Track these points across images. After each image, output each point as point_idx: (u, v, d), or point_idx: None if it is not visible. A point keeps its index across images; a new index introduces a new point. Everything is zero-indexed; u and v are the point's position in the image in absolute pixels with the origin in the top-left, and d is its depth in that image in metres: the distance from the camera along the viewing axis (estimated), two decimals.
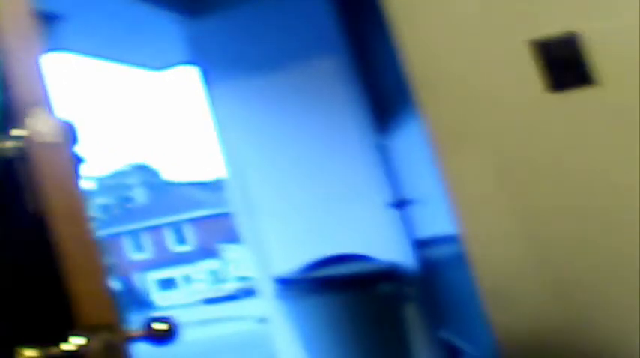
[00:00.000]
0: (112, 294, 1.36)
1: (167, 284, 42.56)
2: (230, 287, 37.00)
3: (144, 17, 4.13)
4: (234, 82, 4.15)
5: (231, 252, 39.17)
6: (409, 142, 2.88)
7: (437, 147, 2.24)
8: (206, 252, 41.93)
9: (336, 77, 3.93)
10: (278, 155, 4.10)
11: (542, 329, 2.15)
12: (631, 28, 2.11)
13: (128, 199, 49.29)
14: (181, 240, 43.77)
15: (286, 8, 3.96)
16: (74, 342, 1.27)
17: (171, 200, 44.63)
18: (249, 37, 4.06)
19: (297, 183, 4.06)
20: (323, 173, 4.00)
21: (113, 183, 48.64)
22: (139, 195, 49.62)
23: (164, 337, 1.34)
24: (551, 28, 2.15)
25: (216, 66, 4.19)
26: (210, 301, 35.75)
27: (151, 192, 48.84)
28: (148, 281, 42.99)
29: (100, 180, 47.87)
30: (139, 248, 44.12)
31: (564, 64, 2.14)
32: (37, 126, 1.30)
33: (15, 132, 1.32)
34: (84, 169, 2.66)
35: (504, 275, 2.19)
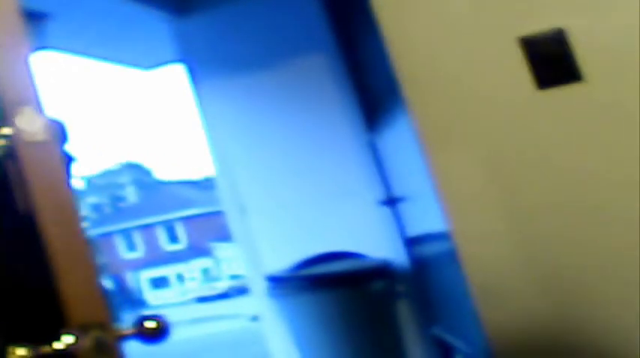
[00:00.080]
0: (103, 293, 1.36)
1: (159, 282, 42.52)
2: (222, 285, 36.98)
3: (132, 16, 4.12)
4: (222, 80, 4.14)
5: (223, 250, 39.15)
6: (399, 140, 2.88)
7: (426, 145, 2.24)
8: (198, 250, 41.90)
9: (325, 75, 3.93)
10: (268, 153, 4.10)
11: (533, 326, 2.16)
12: (618, 24, 2.12)
13: (119, 198, 49.19)
14: (173, 239, 43.72)
15: (274, 6, 3.95)
16: (65, 341, 1.27)
17: (162, 199, 44.57)
18: (238, 35, 4.05)
19: (287, 181, 4.06)
20: (313, 171, 4.00)
21: (104, 182, 48.54)
22: (131, 194, 49.52)
23: (155, 335, 1.35)
24: (539, 24, 2.15)
25: (205, 64, 4.18)
26: (203, 300, 35.73)
27: (142, 191, 48.74)
28: (141, 280, 42.94)
29: (91, 179, 47.77)
30: (131, 247, 44.06)
31: (552, 61, 2.15)
32: (25, 125, 1.30)
33: (3, 131, 1.31)
34: (74, 168, 2.66)
35: (494, 272, 2.19)
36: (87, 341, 1.27)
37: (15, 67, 1.34)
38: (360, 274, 3.79)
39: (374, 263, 3.84)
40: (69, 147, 2.62)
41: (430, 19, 2.26)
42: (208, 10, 4.09)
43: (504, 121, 2.19)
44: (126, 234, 43.91)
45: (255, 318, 4.84)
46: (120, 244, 43.83)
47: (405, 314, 3.84)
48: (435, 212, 2.34)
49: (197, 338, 19.09)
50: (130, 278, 42.59)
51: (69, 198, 1.34)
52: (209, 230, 39.61)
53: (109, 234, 42.31)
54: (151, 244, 43.78)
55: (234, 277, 35.62)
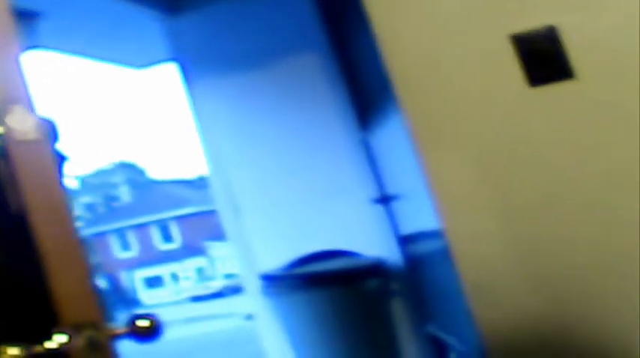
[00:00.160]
0: (96, 292, 1.36)
1: (154, 282, 42.50)
2: (217, 284, 36.99)
3: (124, 14, 4.11)
4: (215, 79, 4.14)
5: (217, 249, 39.15)
6: (392, 138, 2.88)
7: (419, 143, 2.25)
8: (192, 249, 41.89)
9: (318, 74, 3.93)
10: (261, 152, 4.10)
11: (525, 323, 2.17)
12: (610, 21, 2.13)
13: (113, 198, 49.13)
14: (167, 238, 43.70)
15: (267, 5, 3.95)
16: (58, 340, 1.27)
17: (156, 198, 44.54)
18: (230, 34, 4.04)
19: (281, 179, 4.06)
20: (307, 169, 4.00)
21: (98, 182, 48.47)
22: (124, 194, 49.47)
23: (148, 334, 1.35)
24: (530, 22, 2.16)
25: (198, 63, 4.18)
26: (197, 299, 35.73)
27: (135, 190, 48.69)
28: (135, 279, 42.90)
29: (85, 179, 47.70)
30: (125, 246, 44.02)
31: (543, 58, 2.15)
32: (16, 124, 1.30)
33: None
34: (67, 167, 2.66)
35: (487, 270, 2.20)
36: (80, 341, 1.27)
37: (6, 66, 1.34)
38: (354, 272, 3.79)
39: (368, 261, 3.84)
40: (61, 146, 2.61)
41: (422, 17, 2.26)
42: (201, 9, 4.09)
43: (496, 119, 2.19)
44: (120, 233, 43.87)
45: (249, 317, 4.84)
46: (114, 244, 43.79)
47: (399, 312, 3.85)
48: (428, 210, 2.34)
49: (191, 338, 19.09)
50: (124, 277, 42.55)
51: (61, 198, 1.34)
52: (203, 229, 39.60)
53: (102, 234, 42.28)
54: (145, 243, 43.75)
55: (228, 276, 35.62)
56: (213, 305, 29.21)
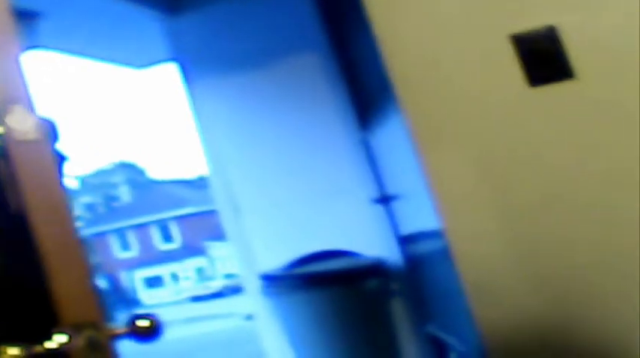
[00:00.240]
0: (96, 292, 1.36)
1: (154, 282, 42.50)
2: (217, 284, 36.98)
3: (124, 14, 4.11)
4: (215, 79, 4.14)
5: (217, 249, 39.14)
6: (392, 138, 2.88)
7: (419, 143, 2.25)
8: (192, 249, 41.89)
9: (318, 73, 3.93)
10: (261, 152, 4.09)
11: (525, 322, 2.17)
12: (610, 21, 2.13)
13: (113, 198, 49.14)
14: (167, 238, 43.70)
15: (267, 5, 3.95)
16: (58, 340, 1.27)
17: (156, 198, 44.54)
18: (230, 33, 4.04)
19: (281, 179, 4.05)
20: (307, 169, 4.00)
21: (98, 182, 48.49)
22: (124, 194, 49.47)
23: (147, 334, 1.35)
24: (530, 22, 2.16)
25: (198, 63, 4.18)
26: (197, 299, 35.73)
27: (136, 191, 48.70)
28: (135, 279, 42.91)
29: (85, 179, 47.71)
30: (125, 246, 44.03)
31: (543, 58, 2.15)
32: (16, 124, 1.30)
33: None
34: (67, 167, 2.65)
35: (487, 270, 2.20)
36: (79, 341, 1.27)
37: (6, 66, 1.34)
38: (354, 272, 3.79)
39: (368, 261, 3.84)
40: (61, 146, 2.61)
41: (422, 17, 2.26)
42: (201, 9, 4.09)
43: (496, 119, 2.19)
44: (120, 233, 43.87)
45: (249, 317, 4.84)
46: (114, 244, 43.80)
47: (399, 312, 3.85)
48: (428, 210, 2.34)
49: (191, 338, 19.09)
50: (124, 277, 42.56)
51: (61, 197, 1.34)
52: (203, 229, 39.60)
53: (102, 234, 42.28)
54: (145, 243, 43.75)
55: (228, 276, 35.62)
56: (213, 305, 29.22)
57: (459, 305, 2.35)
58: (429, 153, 2.23)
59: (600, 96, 2.13)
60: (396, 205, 3.56)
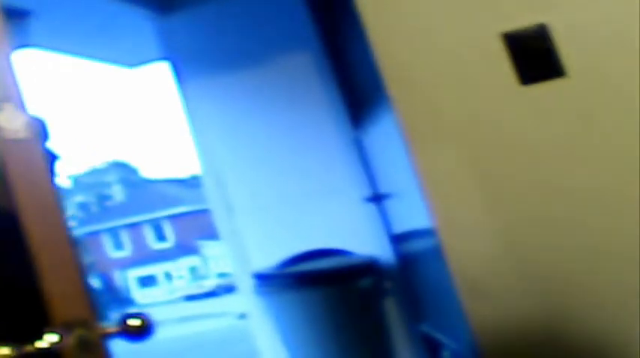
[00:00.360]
0: (87, 291, 1.35)
1: (147, 281, 42.44)
2: (210, 283, 36.94)
3: (116, 13, 4.10)
4: (207, 78, 4.13)
5: (210, 248, 39.10)
6: (384, 136, 2.89)
7: (410, 141, 2.25)
8: (186, 248, 41.85)
9: (310, 72, 3.92)
10: (254, 151, 4.09)
11: (518, 320, 2.17)
12: (600, 19, 2.13)
13: (106, 197, 49.06)
14: (161, 237, 43.64)
15: (259, 4, 3.94)
16: (49, 340, 1.27)
17: (149, 197, 44.47)
18: (222, 33, 4.04)
19: (273, 178, 4.05)
20: (299, 168, 3.99)
21: (91, 181, 48.41)
22: (118, 193, 49.38)
23: (139, 333, 1.34)
24: (521, 20, 2.16)
25: (190, 62, 4.17)
26: (191, 298, 35.70)
27: (129, 190, 48.62)
28: (129, 278, 42.84)
29: (78, 178, 47.63)
30: (118, 245, 43.95)
31: (534, 56, 2.15)
32: (6, 123, 1.29)
33: None
34: (59, 166, 2.65)
35: (479, 268, 2.20)
36: (71, 340, 1.27)
37: None
38: (346, 271, 3.79)
39: (360, 260, 3.84)
40: (53, 146, 2.61)
41: (413, 16, 2.26)
42: (192, 8, 4.08)
43: (488, 118, 2.20)
44: (113, 232, 43.79)
45: (242, 316, 4.84)
46: (107, 243, 43.72)
47: (391, 310, 3.85)
48: (420, 208, 2.34)
49: (185, 337, 19.07)
50: (117, 277, 42.49)
51: (52, 196, 1.34)
52: (196, 228, 39.56)
53: (96, 233, 42.21)
54: (139, 243, 43.68)
55: (221, 275, 35.58)
56: (207, 305, 29.19)
57: (451, 303, 2.36)
58: (421, 151, 2.24)
59: (591, 94, 2.13)
60: (389, 204, 3.56)
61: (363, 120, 3.49)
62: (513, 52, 2.16)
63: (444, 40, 2.23)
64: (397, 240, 3.69)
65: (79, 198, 47.06)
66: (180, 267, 42.14)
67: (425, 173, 2.23)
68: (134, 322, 1.33)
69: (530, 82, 2.16)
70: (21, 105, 1.32)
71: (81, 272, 1.36)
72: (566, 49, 2.13)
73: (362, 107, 3.40)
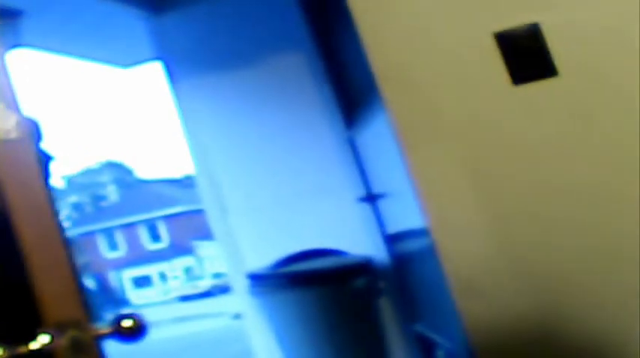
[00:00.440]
0: (80, 292, 1.35)
1: (142, 281, 42.37)
2: (205, 284, 36.89)
3: (109, 13, 4.09)
4: (200, 79, 4.13)
5: (205, 248, 39.05)
6: (378, 136, 2.89)
7: (403, 141, 2.25)
8: (180, 249, 41.79)
9: (303, 72, 3.92)
10: (247, 151, 4.09)
11: (512, 319, 2.17)
12: (592, 19, 2.14)
13: (101, 197, 48.97)
14: (155, 238, 43.57)
15: (252, 4, 3.94)
16: (41, 340, 1.26)
17: (144, 197, 44.39)
18: (215, 33, 4.03)
19: (267, 178, 4.05)
20: (293, 168, 3.99)
21: (85, 181, 48.32)
22: (112, 193, 49.30)
23: (132, 334, 1.34)
24: (513, 19, 2.16)
25: (183, 62, 4.16)
26: (186, 298, 35.65)
27: (123, 190, 48.54)
28: (123, 279, 42.76)
29: (72, 179, 47.54)
30: (112, 246, 43.87)
31: (527, 56, 2.16)
32: None
33: None
34: (52, 167, 2.64)
35: (473, 268, 2.20)
36: (63, 341, 1.26)
37: None
38: (341, 271, 3.79)
39: (355, 260, 3.84)
40: (46, 146, 2.60)
41: (406, 16, 2.26)
42: (185, 8, 4.07)
43: (480, 117, 2.20)
44: (107, 233, 43.71)
45: (237, 316, 4.84)
46: (102, 243, 43.64)
47: (386, 310, 3.85)
48: (414, 208, 2.34)
49: (180, 337, 19.05)
50: (112, 277, 42.41)
51: (44, 197, 1.33)
52: (191, 228, 39.50)
53: (90, 234, 42.13)
54: (133, 243, 43.61)
55: (216, 275, 35.53)
56: (202, 305, 29.15)
57: (445, 303, 2.36)
58: (415, 151, 2.24)
59: (583, 93, 2.14)
60: (383, 204, 3.56)
61: (356, 120, 3.49)
62: (506, 52, 2.16)
63: (437, 40, 2.23)
64: (391, 240, 3.69)
65: (74, 199, 46.97)
66: (175, 267, 42.08)
67: (418, 173, 2.23)
68: (127, 323, 1.33)
69: (522, 82, 2.16)
70: (13, 106, 1.32)
71: (74, 273, 1.36)
72: (559, 49, 2.13)
73: (355, 107, 3.40)
